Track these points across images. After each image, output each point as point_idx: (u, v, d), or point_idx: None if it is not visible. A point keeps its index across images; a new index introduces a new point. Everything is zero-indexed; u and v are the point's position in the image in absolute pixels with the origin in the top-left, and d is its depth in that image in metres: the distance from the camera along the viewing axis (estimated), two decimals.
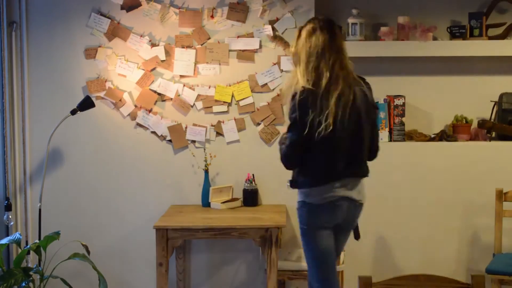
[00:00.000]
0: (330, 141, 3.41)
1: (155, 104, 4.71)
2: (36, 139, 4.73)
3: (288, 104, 3.43)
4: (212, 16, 4.67)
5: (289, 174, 4.74)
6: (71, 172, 4.75)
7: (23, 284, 4.19)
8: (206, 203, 4.64)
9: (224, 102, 4.69)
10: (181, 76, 4.70)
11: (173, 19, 4.68)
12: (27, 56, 4.71)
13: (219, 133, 4.73)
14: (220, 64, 4.69)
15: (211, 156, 4.67)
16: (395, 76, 4.89)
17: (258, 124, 4.71)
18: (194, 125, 4.72)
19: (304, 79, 3.41)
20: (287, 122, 3.46)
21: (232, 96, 4.69)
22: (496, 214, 4.46)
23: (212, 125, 4.72)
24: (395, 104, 4.71)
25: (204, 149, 4.71)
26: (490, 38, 4.71)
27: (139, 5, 4.67)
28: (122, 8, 4.68)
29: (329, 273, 3.61)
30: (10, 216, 4.61)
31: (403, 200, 4.73)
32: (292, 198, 4.71)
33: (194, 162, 4.72)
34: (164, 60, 4.69)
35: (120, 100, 4.70)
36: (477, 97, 4.85)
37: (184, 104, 4.70)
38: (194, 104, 4.71)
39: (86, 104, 4.54)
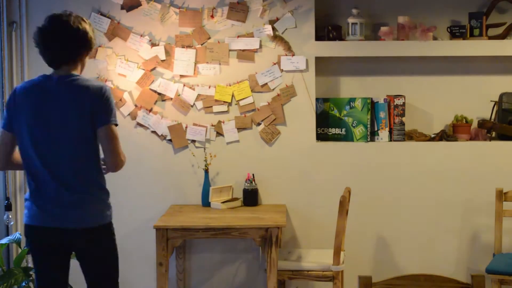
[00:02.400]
0: None
1: (155, 103, 4.71)
2: None
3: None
4: (212, 16, 4.67)
5: (289, 173, 4.74)
6: None
7: (23, 284, 4.19)
8: (206, 203, 4.64)
9: (224, 102, 4.69)
10: (181, 76, 4.70)
11: (173, 19, 4.68)
12: (27, 56, 4.71)
13: (219, 133, 4.73)
14: (220, 64, 4.69)
15: (211, 156, 4.68)
16: (395, 76, 4.89)
17: (259, 124, 4.71)
18: (194, 124, 4.72)
19: None
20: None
21: (232, 96, 4.69)
22: (496, 214, 4.46)
23: (212, 125, 4.72)
24: (395, 104, 4.71)
25: (204, 149, 4.71)
26: (490, 38, 4.72)
27: (139, 5, 4.67)
28: (122, 8, 4.68)
29: None
30: (10, 216, 4.61)
31: (403, 200, 4.73)
32: (292, 198, 4.73)
33: (194, 162, 4.72)
34: (164, 60, 4.69)
35: (120, 100, 4.70)
36: (477, 97, 4.85)
37: (184, 104, 4.70)
38: (194, 104, 4.71)
39: None
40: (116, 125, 3.15)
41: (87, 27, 3.15)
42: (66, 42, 3.10)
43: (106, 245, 3.27)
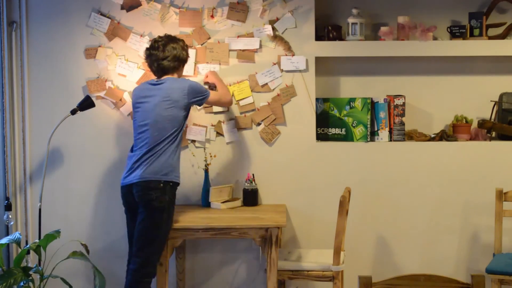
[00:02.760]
0: None
1: None
2: (36, 139, 4.73)
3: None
4: (212, 16, 4.68)
5: (289, 173, 4.74)
6: (71, 172, 4.75)
7: (23, 283, 4.19)
8: (206, 203, 4.64)
9: None
10: None
11: (173, 19, 4.68)
12: (27, 56, 4.71)
13: (219, 133, 4.73)
14: (220, 64, 4.69)
15: (211, 156, 4.68)
16: (395, 76, 4.89)
17: (259, 124, 4.72)
18: (194, 124, 4.72)
19: None
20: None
21: (232, 96, 4.69)
22: (496, 214, 4.46)
23: (212, 125, 4.72)
24: (395, 104, 4.71)
25: (204, 149, 4.71)
26: (490, 38, 4.72)
27: (139, 5, 4.68)
28: (122, 8, 4.68)
29: None
30: (10, 216, 4.61)
31: (403, 200, 4.73)
32: (292, 198, 4.73)
33: (194, 162, 4.72)
34: None
35: (120, 100, 4.70)
36: (477, 97, 4.86)
37: None
38: None
39: (86, 104, 4.54)
40: (208, 94, 4.26)
41: (180, 46, 4.24)
42: (162, 62, 4.20)
43: (152, 204, 4.01)
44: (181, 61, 4.26)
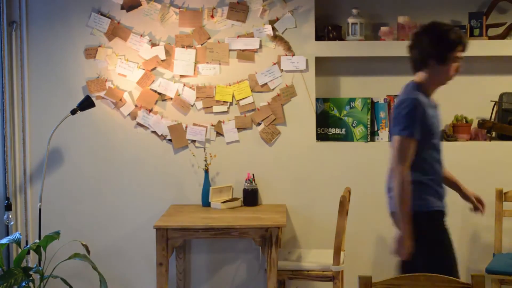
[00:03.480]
0: None
1: (155, 103, 4.71)
2: (36, 139, 4.73)
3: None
4: (212, 16, 4.68)
5: (289, 173, 4.73)
6: (71, 172, 4.75)
7: (23, 284, 4.18)
8: (206, 203, 4.64)
9: (224, 102, 4.69)
10: (181, 76, 4.70)
11: (173, 19, 4.68)
12: (27, 56, 4.70)
13: (219, 133, 4.73)
14: (220, 64, 4.69)
15: (211, 156, 4.68)
16: (395, 76, 4.89)
17: (259, 124, 4.72)
18: (195, 124, 4.72)
19: None
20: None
21: (232, 96, 4.69)
22: (496, 214, 4.46)
23: (212, 125, 4.73)
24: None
25: (204, 149, 4.71)
26: (490, 38, 4.72)
27: (139, 5, 4.68)
28: (122, 8, 4.68)
29: None
30: (10, 216, 4.61)
31: None
32: (292, 198, 4.72)
33: (194, 162, 4.72)
34: (164, 60, 4.69)
35: (120, 100, 4.70)
36: (477, 97, 4.85)
37: (184, 103, 4.70)
38: (194, 103, 4.71)
39: (86, 104, 4.54)
40: (404, 136, 3.31)
41: (432, 38, 3.32)
42: (411, 53, 3.42)
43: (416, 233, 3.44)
44: (431, 57, 3.42)
